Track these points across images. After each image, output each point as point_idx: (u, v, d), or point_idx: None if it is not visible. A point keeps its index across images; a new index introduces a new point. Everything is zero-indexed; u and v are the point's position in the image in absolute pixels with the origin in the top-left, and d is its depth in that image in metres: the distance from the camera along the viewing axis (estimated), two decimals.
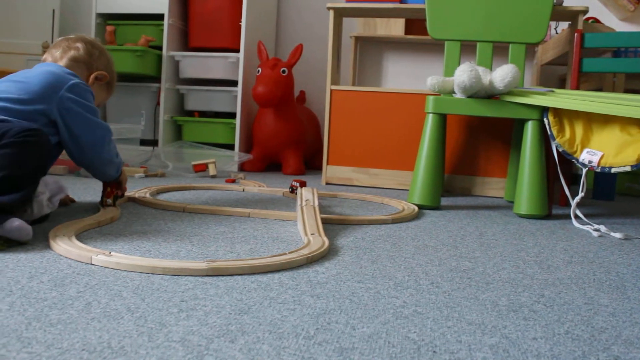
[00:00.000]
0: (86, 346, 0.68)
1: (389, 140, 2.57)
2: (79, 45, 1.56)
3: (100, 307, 0.82)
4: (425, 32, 3.15)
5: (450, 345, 0.75)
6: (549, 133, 1.85)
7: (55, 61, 1.53)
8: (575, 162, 1.80)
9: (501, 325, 0.84)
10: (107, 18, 3.35)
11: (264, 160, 3.09)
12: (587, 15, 2.75)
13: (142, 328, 0.75)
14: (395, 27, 3.40)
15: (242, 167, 3.05)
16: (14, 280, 0.92)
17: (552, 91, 1.99)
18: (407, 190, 2.44)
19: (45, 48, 3.44)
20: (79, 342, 0.69)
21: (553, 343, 0.78)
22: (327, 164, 2.64)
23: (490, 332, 0.81)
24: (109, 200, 1.62)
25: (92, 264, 1.04)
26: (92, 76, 1.56)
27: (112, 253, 1.06)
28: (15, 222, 1.12)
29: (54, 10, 3.68)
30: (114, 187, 1.63)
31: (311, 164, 3.36)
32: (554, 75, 3.35)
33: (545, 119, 1.88)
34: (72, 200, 1.70)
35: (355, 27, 3.55)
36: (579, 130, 1.82)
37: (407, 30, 3.41)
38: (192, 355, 0.67)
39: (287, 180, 2.69)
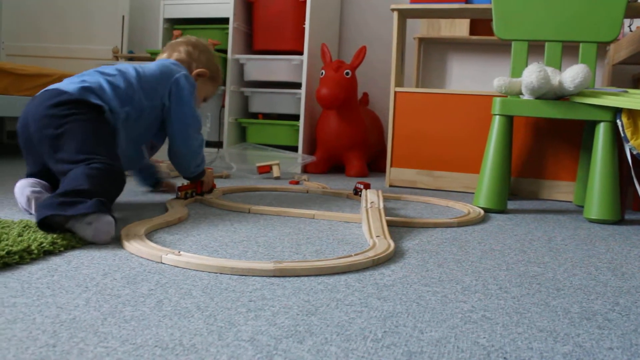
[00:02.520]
0: (159, 343, 0.70)
1: (454, 142, 2.54)
2: (181, 48, 1.82)
3: (171, 305, 0.84)
4: (490, 33, 3.11)
5: (521, 352, 0.73)
6: (622, 135, 1.79)
7: None
8: None
9: (574, 333, 0.81)
10: (174, 23, 3.45)
11: (327, 162, 3.10)
12: None
13: (212, 327, 0.76)
14: (460, 28, 3.36)
15: (306, 169, 3.07)
16: (89, 277, 0.95)
17: (626, 91, 1.92)
18: (472, 193, 2.41)
19: (116, 53, 3.56)
20: (151, 338, 0.71)
21: (631, 354, 0.75)
22: (391, 166, 2.63)
23: (562, 340, 0.78)
24: (179, 193, 1.77)
25: (162, 262, 1.07)
26: (194, 73, 1.79)
27: (181, 252, 1.09)
28: (109, 217, 1.20)
29: (123, 16, 3.80)
30: (196, 184, 1.83)
31: (374, 166, 3.35)
32: (627, 75, 3.22)
33: (618, 121, 1.81)
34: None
35: (418, 28, 3.51)
36: None
37: (472, 31, 3.36)
38: (262, 355, 0.68)
39: (350, 182, 2.69)
